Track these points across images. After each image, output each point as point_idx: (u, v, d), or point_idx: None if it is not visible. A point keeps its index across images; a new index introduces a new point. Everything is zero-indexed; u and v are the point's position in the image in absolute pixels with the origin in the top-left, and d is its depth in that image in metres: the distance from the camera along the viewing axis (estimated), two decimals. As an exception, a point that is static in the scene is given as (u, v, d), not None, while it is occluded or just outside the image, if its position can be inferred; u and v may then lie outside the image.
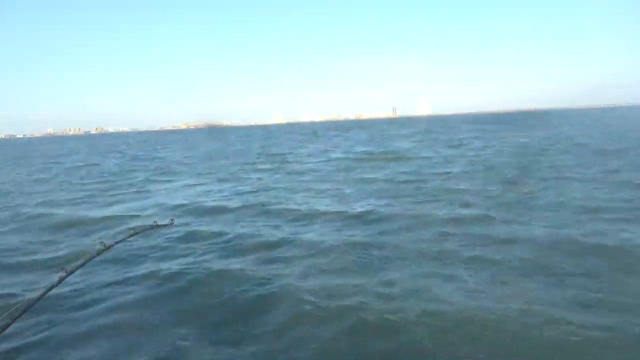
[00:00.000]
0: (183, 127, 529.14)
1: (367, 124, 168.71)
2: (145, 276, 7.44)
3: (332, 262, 7.70)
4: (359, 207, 12.03)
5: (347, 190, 15.23)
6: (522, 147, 29.10)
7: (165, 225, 3.90)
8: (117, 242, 3.42)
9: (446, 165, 21.64)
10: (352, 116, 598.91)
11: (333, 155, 30.44)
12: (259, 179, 19.85)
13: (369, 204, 12.49)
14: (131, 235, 3.53)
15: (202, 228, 10.67)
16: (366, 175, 18.91)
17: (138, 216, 12.60)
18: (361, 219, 10.77)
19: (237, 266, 7.71)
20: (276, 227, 10.50)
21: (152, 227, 3.72)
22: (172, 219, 4.04)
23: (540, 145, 29.49)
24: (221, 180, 19.92)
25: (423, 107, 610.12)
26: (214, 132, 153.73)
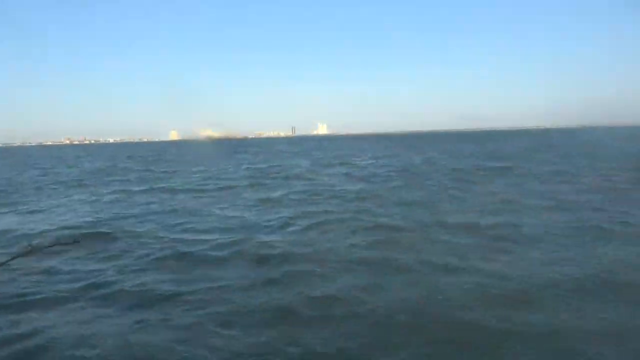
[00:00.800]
0: (66, 142, 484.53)
1: (266, 142, 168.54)
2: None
3: (226, 308, 6.63)
4: (262, 235, 11.11)
5: (247, 214, 14.44)
6: (413, 165, 30.84)
7: (68, 244, 3.34)
8: (8, 260, 2.89)
9: (346, 183, 21.89)
10: (251, 135, 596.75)
11: (234, 175, 29.38)
12: (149, 203, 18.17)
13: (272, 230, 11.74)
14: (28, 253, 3.12)
15: (93, 260, 9.13)
16: (264, 195, 18.29)
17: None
18: (266, 249, 9.71)
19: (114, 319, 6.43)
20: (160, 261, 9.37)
21: (53, 245, 3.25)
22: (78, 238, 3.45)
23: (429, 162, 31.49)
24: (111, 202, 17.91)
25: (320, 127, 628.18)
26: (95, 149, 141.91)
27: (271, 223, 12.34)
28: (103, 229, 11.90)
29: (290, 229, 11.58)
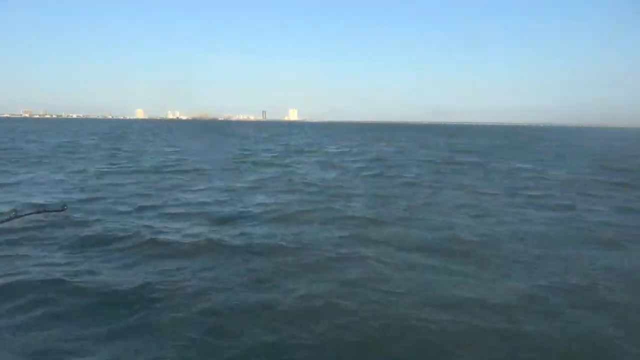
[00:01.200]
0: (26, 116, 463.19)
1: (236, 125, 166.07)
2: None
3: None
4: (238, 224, 10.67)
5: (221, 200, 14.07)
6: (383, 154, 31.05)
7: (55, 211, 3.29)
8: None
9: (319, 171, 21.74)
10: (221, 117, 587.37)
11: (204, 157, 28.71)
12: (119, 184, 17.46)
13: (248, 219, 11.33)
14: (11, 219, 2.88)
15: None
16: (236, 181, 17.92)
17: None
18: (243, 239, 9.34)
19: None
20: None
21: (38, 212, 3.17)
22: (65, 205, 3.36)
23: (402, 153, 31.80)
24: (78, 183, 17.09)
25: (292, 113, 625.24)
26: (58, 124, 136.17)
27: (247, 210, 12.00)
28: (68, 214, 11.18)
29: (266, 217, 11.27)
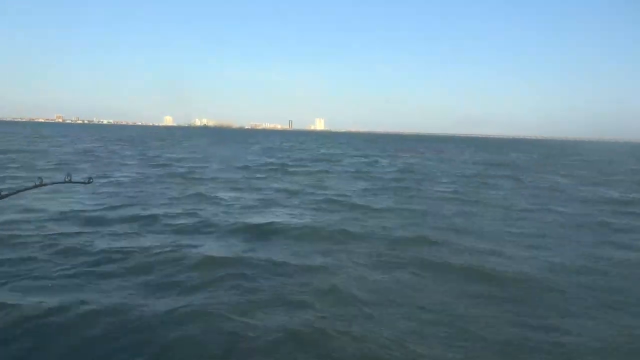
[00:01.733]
0: (59, 120, 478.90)
1: (262, 133, 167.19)
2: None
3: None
4: (270, 242, 10.47)
5: (249, 213, 13.72)
6: (412, 165, 30.38)
7: (82, 183, 3.46)
8: (15, 192, 2.87)
9: (348, 182, 21.30)
10: (248, 125, 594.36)
11: (233, 164, 28.64)
12: (145, 192, 17.38)
13: (278, 232, 11.10)
14: (36, 186, 2.94)
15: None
16: (261, 192, 17.58)
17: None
18: (274, 254, 9.14)
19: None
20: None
21: (64, 182, 3.13)
22: (91, 178, 3.49)
23: (428, 165, 31.10)
24: (107, 189, 17.06)
25: (318, 122, 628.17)
26: (89, 128, 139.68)
27: (273, 222, 11.53)
28: (87, 229, 10.84)
29: (292, 232, 10.62)
